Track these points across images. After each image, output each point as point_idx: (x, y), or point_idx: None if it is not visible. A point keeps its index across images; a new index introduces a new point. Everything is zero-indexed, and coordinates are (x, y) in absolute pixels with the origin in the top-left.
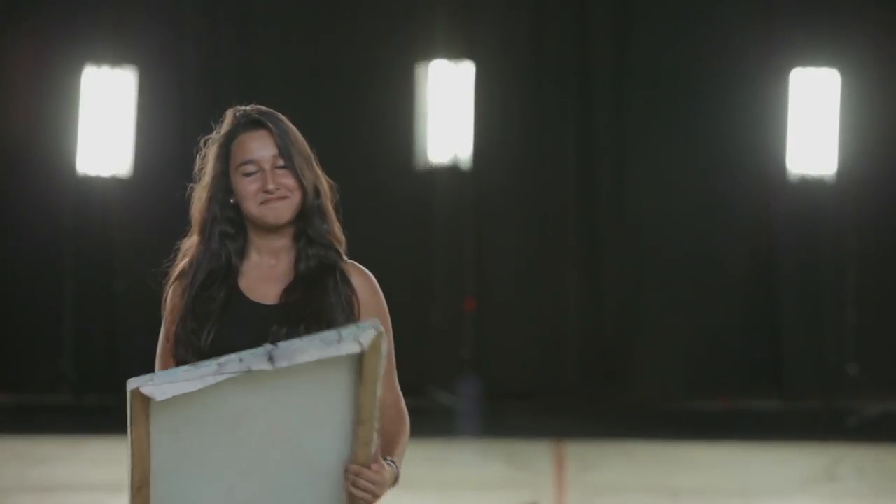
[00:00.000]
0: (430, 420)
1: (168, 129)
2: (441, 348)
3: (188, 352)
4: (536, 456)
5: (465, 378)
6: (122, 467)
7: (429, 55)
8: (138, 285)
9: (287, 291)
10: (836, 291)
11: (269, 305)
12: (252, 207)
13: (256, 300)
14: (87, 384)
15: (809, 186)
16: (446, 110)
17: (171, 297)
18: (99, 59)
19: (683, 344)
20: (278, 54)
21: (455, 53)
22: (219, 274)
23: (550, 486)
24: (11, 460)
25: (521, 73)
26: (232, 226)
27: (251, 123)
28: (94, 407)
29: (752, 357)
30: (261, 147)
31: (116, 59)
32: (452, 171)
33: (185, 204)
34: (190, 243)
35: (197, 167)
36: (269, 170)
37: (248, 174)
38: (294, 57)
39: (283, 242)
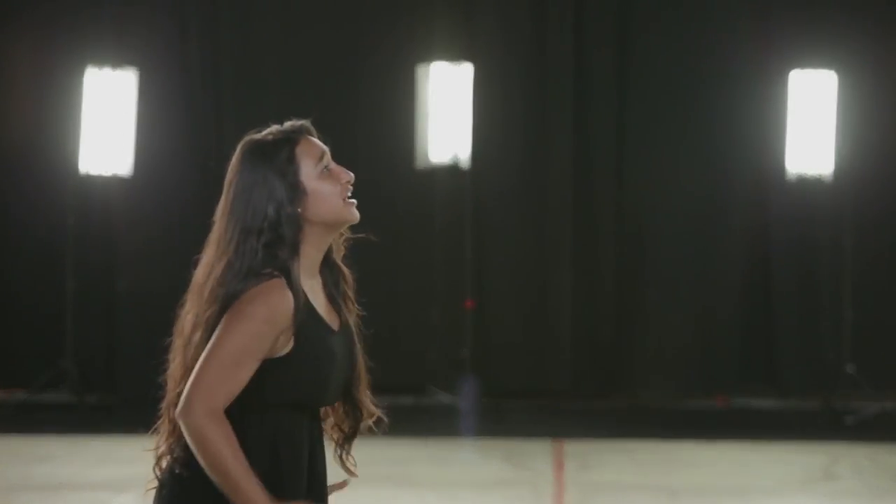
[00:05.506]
0: (430, 419)
1: (169, 130)
2: (441, 348)
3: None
4: (535, 455)
5: (464, 377)
6: (124, 466)
7: (428, 56)
8: (139, 284)
9: (337, 313)
10: (834, 290)
11: (337, 331)
12: (338, 207)
13: (333, 328)
14: (89, 383)
15: (806, 186)
16: (446, 111)
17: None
18: (100, 61)
19: (682, 343)
20: (279, 56)
21: (454, 54)
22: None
23: (549, 485)
24: (13, 459)
25: (520, 73)
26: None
27: (306, 130)
28: (96, 406)
29: (751, 356)
30: (323, 147)
31: (117, 61)
32: (452, 171)
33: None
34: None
35: (236, 187)
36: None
37: (329, 168)
38: (294, 58)
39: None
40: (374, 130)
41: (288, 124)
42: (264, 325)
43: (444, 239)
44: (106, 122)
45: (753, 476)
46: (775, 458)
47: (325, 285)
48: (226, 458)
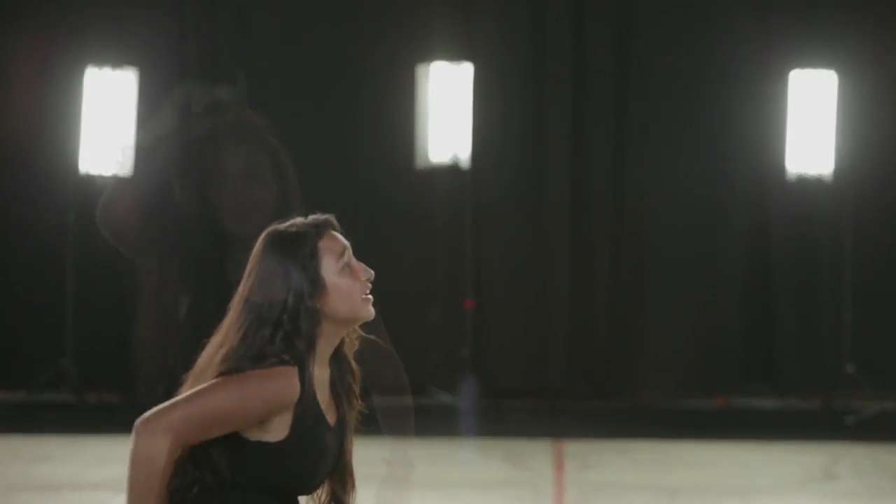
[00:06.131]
0: (430, 419)
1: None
2: (441, 347)
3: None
4: (535, 455)
5: (464, 377)
6: (124, 466)
7: (428, 56)
8: (140, 284)
9: (336, 407)
10: (834, 290)
11: (333, 427)
12: (356, 305)
13: (330, 423)
14: (89, 383)
15: (807, 186)
16: (446, 111)
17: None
18: (100, 61)
19: (682, 343)
20: (278, 56)
21: (454, 54)
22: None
23: (549, 485)
24: (13, 459)
25: (519, 73)
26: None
27: (329, 224)
28: (96, 405)
29: (750, 356)
30: (345, 242)
31: (117, 61)
32: (452, 171)
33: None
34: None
35: (258, 277)
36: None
37: (349, 265)
38: (294, 58)
39: None
40: (374, 130)
41: (311, 217)
42: (261, 405)
43: (444, 239)
44: (106, 122)
45: (753, 476)
46: (775, 458)
47: (331, 376)
48: (153, 480)
